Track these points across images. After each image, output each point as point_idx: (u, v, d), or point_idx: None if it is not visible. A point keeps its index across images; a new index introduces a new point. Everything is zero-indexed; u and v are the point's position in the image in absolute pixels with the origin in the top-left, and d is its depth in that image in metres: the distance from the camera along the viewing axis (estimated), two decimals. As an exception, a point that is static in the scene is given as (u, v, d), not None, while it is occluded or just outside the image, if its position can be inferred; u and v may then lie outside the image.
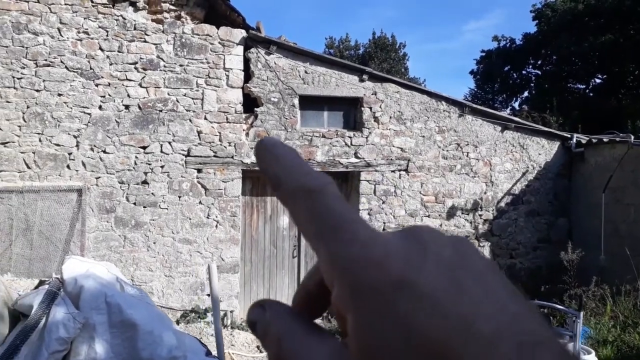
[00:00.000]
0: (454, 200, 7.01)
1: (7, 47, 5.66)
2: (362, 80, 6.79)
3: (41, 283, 2.74)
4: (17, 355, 2.18)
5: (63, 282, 2.57)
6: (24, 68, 5.72)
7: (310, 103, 6.77)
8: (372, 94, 6.82)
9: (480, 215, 7.11)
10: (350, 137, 6.75)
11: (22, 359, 2.20)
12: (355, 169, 6.76)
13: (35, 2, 5.74)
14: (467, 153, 7.09)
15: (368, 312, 0.22)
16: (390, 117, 6.85)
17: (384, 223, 6.79)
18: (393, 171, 6.83)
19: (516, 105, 21.19)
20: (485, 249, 7.13)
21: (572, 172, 7.46)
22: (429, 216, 6.93)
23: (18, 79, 5.71)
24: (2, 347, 2.28)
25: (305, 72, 6.66)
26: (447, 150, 7.02)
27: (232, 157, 6.40)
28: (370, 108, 6.81)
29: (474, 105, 7.40)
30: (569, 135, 7.50)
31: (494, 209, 7.18)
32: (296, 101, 6.63)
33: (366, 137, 6.78)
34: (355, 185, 6.85)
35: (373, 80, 6.87)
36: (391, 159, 6.83)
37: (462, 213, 7.03)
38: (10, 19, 5.67)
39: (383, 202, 6.79)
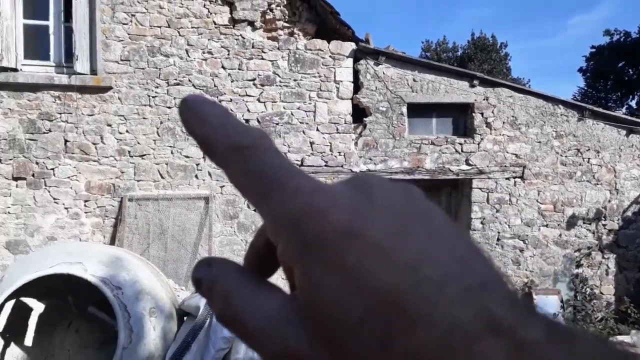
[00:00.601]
0: (575, 209, 6.65)
1: (143, 69, 6.28)
2: (472, 86, 6.68)
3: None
4: (189, 351, 2.46)
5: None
6: (157, 87, 6.31)
7: (418, 110, 6.78)
8: (484, 99, 6.68)
9: (604, 225, 6.67)
10: (460, 144, 6.66)
11: (192, 354, 2.48)
12: (467, 176, 6.65)
13: (167, 27, 6.31)
14: (588, 159, 6.70)
15: (314, 263, 0.22)
16: (504, 123, 6.67)
17: (499, 232, 6.61)
18: (507, 178, 6.63)
19: (633, 103, 19.53)
20: (610, 261, 6.68)
21: None
22: (547, 225, 6.64)
23: (153, 97, 6.31)
24: (175, 343, 2.59)
25: (414, 80, 6.68)
26: (566, 156, 6.68)
27: (342, 166, 6.58)
28: (482, 114, 6.67)
29: (595, 108, 6.97)
30: None
31: (620, 219, 6.71)
32: (404, 109, 6.67)
33: (478, 144, 6.65)
34: (466, 193, 6.74)
35: (484, 85, 6.73)
36: (505, 166, 6.64)
37: (584, 223, 6.64)
38: (145, 44, 6.29)
39: (497, 211, 6.61)
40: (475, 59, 19.68)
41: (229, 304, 0.25)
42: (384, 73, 6.63)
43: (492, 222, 6.64)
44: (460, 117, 6.87)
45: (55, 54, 6.16)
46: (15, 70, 5.94)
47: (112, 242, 6.20)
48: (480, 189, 6.64)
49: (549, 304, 6.37)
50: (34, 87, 6.02)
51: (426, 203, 0.25)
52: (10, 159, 6.04)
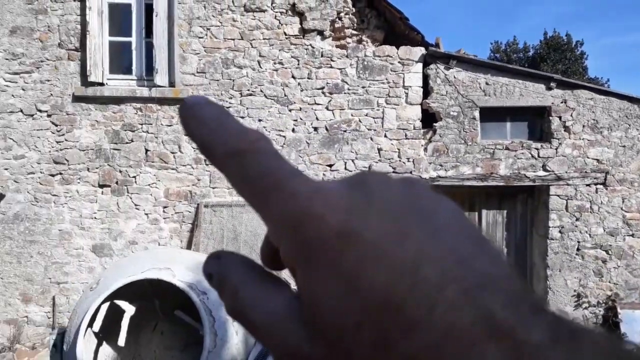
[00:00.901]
0: (665, 218, 6.19)
1: (218, 80, 6.52)
2: (549, 89, 6.40)
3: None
4: (269, 357, 2.52)
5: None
6: (231, 98, 6.53)
7: (491, 115, 6.58)
8: (562, 102, 6.38)
9: (700, 235, 6.16)
10: (537, 149, 6.40)
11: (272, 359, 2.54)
12: (544, 182, 6.37)
13: (240, 39, 6.53)
14: (681, 163, 6.22)
15: (313, 266, 0.22)
16: (584, 126, 6.33)
17: (579, 242, 6.27)
18: (588, 185, 6.29)
19: None
20: None
21: None
22: (632, 235, 6.22)
23: (227, 107, 6.52)
24: (255, 348, 2.67)
25: (486, 83, 6.50)
26: (655, 161, 6.24)
27: (411, 172, 6.50)
28: (560, 117, 6.37)
29: (688, 109, 6.46)
30: None
31: None
32: (476, 114, 6.50)
33: (555, 149, 6.35)
34: (543, 200, 6.46)
35: (562, 87, 6.42)
36: (585, 172, 6.29)
37: (676, 232, 6.17)
38: (220, 56, 6.53)
39: (577, 219, 6.27)
40: (548, 59, 18.78)
41: (237, 299, 0.25)
42: (454, 77, 6.49)
43: (571, 231, 6.31)
44: (536, 121, 6.60)
45: (137, 68, 6.54)
46: (101, 84, 6.37)
47: (188, 246, 6.46)
48: (558, 196, 6.33)
49: (635, 319, 5.96)
50: (118, 100, 6.42)
51: (432, 199, 0.24)
52: (97, 168, 6.46)
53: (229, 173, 0.26)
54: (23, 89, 6.38)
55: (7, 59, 6.37)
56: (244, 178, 0.25)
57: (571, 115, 6.35)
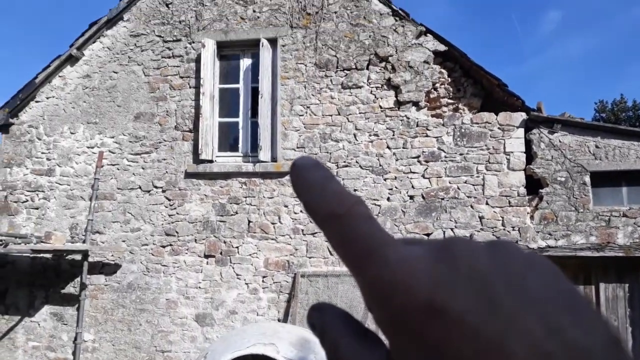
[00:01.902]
0: None
1: (316, 154, 6.76)
2: (671, 150, 5.86)
3: None
4: None
5: None
6: (328, 170, 6.70)
7: (604, 179, 6.13)
8: (687, 164, 5.79)
9: None
10: (661, 216, 5.79)
11: None
12: (674, 253, 5.69)
13: (337, 115, 6.79)
14: None
15: (400, 333, 0.22)
16: None
17: None
18: None
19: None
20: None
21: None
22: None
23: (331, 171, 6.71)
24: None
25: (596, 146, 6.11)
26: None
27: (517, 241, 6.13)
28: (687, 180, 5.77)
29: None
30: None
31: None
32: (587, 179, 6.08)
33: (685, 215, 5.70)
34: (675, 273, 5.74)
35: (686, 147, 5.86)
36: None
37: None
38: (318, 131, 6.80)
39: None
40: (664, 116, 17.38)
41: (336, 353, 0.26)
42: (560, 141, 6.19)
43: None
44: (658, 185, 6.02)
45: (243, 145, 7.00)
46: (211, 161, 6.86)
47: (285, 317, 6.48)
48: (694, 268, 5.60)
49: None
50: (225, 175, 6.85)
51: (522, 262, 0.23)
52: (203, 239, 6.82)
53: (328, 234, 0.27)
54: (143, 168, 7.05)
55: (130, 142, 7.13)
56: (340, 240, 0.26)
57: (701, 178, 5.72)
